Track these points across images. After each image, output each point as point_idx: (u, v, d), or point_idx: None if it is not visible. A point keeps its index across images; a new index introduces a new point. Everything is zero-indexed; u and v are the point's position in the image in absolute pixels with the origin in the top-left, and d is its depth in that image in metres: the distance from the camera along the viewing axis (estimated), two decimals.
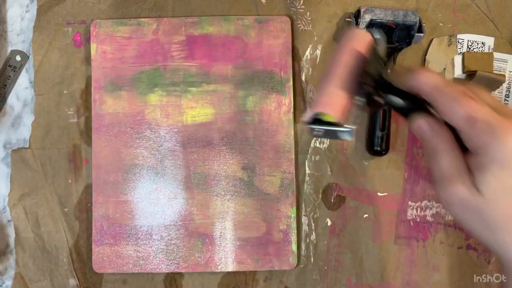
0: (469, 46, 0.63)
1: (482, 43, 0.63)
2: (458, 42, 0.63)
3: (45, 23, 0.63)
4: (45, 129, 0.63)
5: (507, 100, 0.63)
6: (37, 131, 0.63)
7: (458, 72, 0.63)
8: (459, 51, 0.63)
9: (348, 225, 0.63)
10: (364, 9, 0.60)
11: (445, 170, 0.41)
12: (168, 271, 0.62)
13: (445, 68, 0.63)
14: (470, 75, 0.63)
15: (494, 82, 0.61)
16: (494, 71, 0.63)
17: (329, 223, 0.63)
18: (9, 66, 0.64)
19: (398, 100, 0.44)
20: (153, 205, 0.62)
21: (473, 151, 0.40)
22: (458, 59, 0.63)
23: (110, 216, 0.61)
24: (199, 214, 0.62)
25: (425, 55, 0.63)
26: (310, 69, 0.63)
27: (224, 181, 0.62)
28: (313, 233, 0.63)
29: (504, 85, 0.63)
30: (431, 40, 0.63)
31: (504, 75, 0.61)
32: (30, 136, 0.63)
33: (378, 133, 0.61)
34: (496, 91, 0.63)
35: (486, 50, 0.63)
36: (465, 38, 0.63)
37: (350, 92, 0.44)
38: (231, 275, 0.63)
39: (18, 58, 0.64)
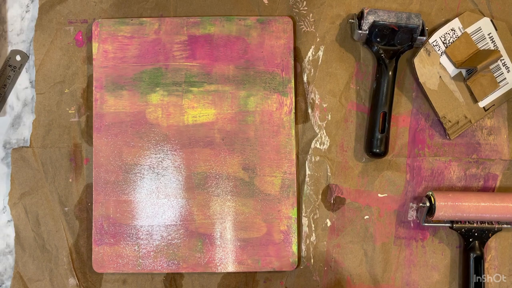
0: (444, 42, 0.63)
1: (452, 29, 0.62)
2: (434, 45, 0.63)
3: (47, 22, 0.63)
4: (46, 128, 0.63)
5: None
6: (38, 130, 0.62)
7: (451, 70, 0.63)
8: (440, 52, 0.63)
9: (348, 226, 0.63)
10: (367, 10, 0.60)
11: None
12: (168, 271, 0.62)
13: (440, 76, 0.63)
14: (468, 70, 0.62)
15: (494, 61, 0.61)
16: (478, 45, 0.62)
17: (329, 224, 0.63)
18: (9, 66, 0.64)
19: None
20: (153, 205, 0.62)
21: None
22: (444, 60, 0.63)
23: (110, 215, 0.61)
24: (199, 214, 0.62)
25: (418, 79, 0.63)
26: (312, 70, 0.63)
27: (225, 181, 0.62)
28: (313, 234, 0.63)
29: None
30: (413, 63, 0.62)
31: (497, 51, 0.61)
32: (31, 135, 0.62)
33: (378, 135, 0.61)
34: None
35: (459, 33, 0.63)
36: (436, 38, 0.62)
37: None
38: (231, 276, 0.63)
39: (18, 58, 0.64)
